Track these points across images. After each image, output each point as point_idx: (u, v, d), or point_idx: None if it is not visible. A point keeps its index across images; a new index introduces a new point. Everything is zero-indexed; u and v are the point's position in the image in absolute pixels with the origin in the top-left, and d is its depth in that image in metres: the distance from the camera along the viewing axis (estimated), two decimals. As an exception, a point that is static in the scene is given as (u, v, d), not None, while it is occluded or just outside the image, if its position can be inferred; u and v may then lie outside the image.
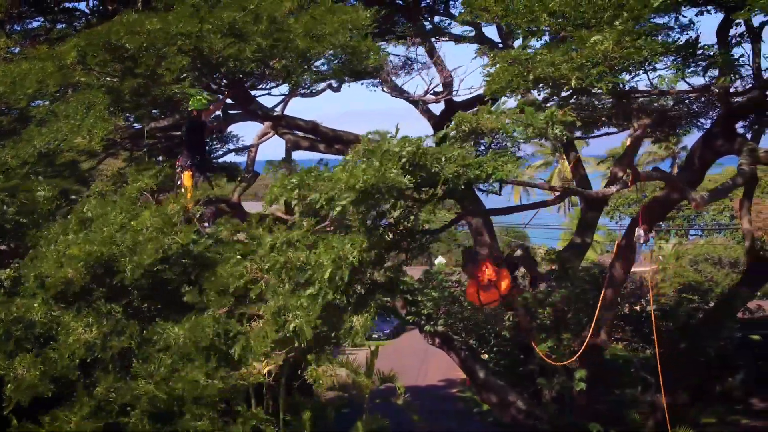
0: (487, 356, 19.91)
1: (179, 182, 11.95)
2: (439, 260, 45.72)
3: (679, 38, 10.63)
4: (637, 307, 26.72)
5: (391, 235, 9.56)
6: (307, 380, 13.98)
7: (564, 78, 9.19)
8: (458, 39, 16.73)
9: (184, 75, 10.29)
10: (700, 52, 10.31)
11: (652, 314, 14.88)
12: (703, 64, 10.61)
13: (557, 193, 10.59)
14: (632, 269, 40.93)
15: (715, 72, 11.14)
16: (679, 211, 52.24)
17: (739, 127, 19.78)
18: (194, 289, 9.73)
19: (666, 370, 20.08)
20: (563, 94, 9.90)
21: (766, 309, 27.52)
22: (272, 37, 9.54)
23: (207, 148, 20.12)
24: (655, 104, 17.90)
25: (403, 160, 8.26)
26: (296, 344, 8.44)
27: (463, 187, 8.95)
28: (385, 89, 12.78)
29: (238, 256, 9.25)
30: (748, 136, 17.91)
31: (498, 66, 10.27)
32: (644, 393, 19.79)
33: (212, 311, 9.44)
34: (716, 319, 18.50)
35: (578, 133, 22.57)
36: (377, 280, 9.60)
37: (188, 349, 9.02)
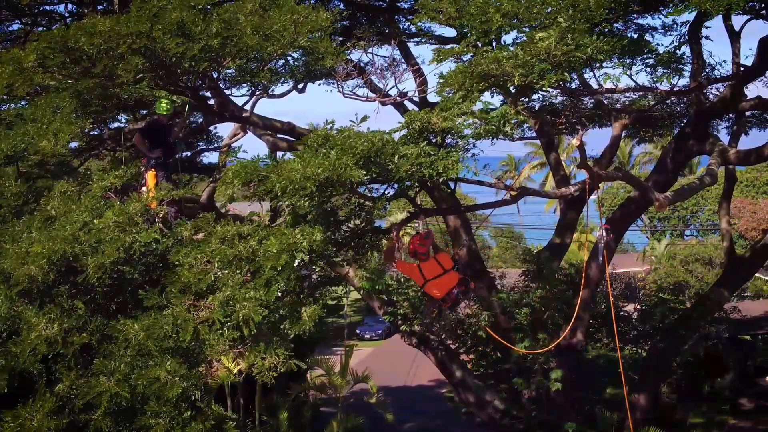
0: (466, 356, 19.97)
1: (143, 182, 12.10)
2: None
3: (628, 36, 10.70)
4: (629, 307, 26.86)
5: (342, 232, 9.67)
6: (253, 374, 13.99)
7: (508, 75, 9.26)
8: (420, 42, 16.87)
9: (141, 75, 10.40)
10: (646, 50, 10.38)
11: (613, 314, 14.86)
12: (650, 61, 10.68)
13: (513, 193, 10.58)
14: (626, 269, 41.10)
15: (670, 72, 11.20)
16: (675, 212, 52.33)
17: (722, 127, 19.93)
18: (153, 290, 9.82)
19: (648, 370, 20.24)
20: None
21: (742, 310, 27.55)
22: (221, 36, 9.63)
23: (188, 148, 20.41)
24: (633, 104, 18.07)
25: (358, 155, 8.37)
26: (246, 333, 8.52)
27: (415, 184, 9.06)
28: (342, 91, 12.86)
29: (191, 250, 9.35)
30: (728, 137, 18.03)
31: (453, 68, 10.36)
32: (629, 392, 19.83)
33: (172, 309, 9.54)
34: (691, 319, 18.52)
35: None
36: (327, 275, 9.72)
37: (147, 345, 9.11)
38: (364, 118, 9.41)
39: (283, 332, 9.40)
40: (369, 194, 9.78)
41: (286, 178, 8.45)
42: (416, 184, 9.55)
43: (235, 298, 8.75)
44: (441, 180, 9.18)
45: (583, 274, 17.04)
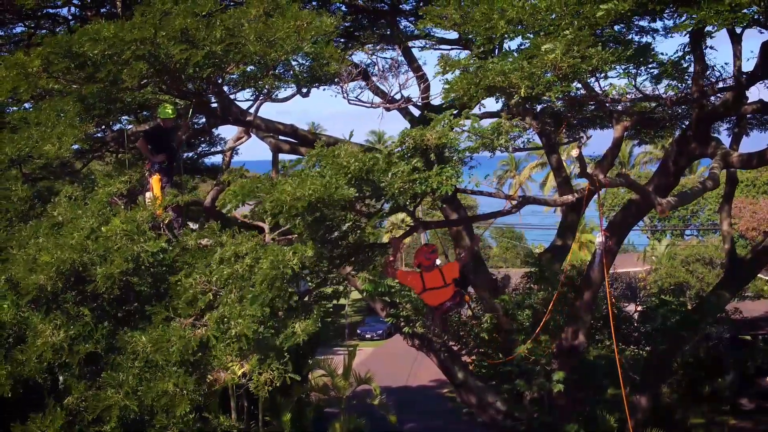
0: (468, 358, 20.01)
1: (148, 187, 12.14)
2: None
3: (635, 43, 10.70)
4: (630, 307, 26.86)
5: (340, 248, 9.70)
6: (251, 389, 14.04)
7: (514, 87, 9.28)
8: (424, 47, 16.91)
9: (145, 81, 10.43)
10: (651, 60, 10.39)
11: (611, 315, 14.91)
12: (655, 71, 10.69)
13: (513, 202, 10.61)
14: (626, 269, 41.16)
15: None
16: (675, 212, 52.37)
17: (723, 129, 19.96)
18: (161, 304, 9.85)
19: (649, 371, 20.29)
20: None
21: (743, 311, 27.59)
22: (225, 43, 9.66)
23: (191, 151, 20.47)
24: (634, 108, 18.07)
25: (349, 175, 8.41)
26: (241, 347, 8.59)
27: (408, 202, 9.11)
28: (347, 97, 12.89)
29: (191, 268, 9.40)
30: (729, 138, 18.04)
31: (458, 74, 10.38)
32: (631, 393, 19.87)
33: (179, 321, 9.56)
34: (692, 320, 18.56)
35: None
36: (323, 291, 9.78)
37: (155, 358, 9.14)
38: (351, 135, 9.43)
39: (277, 347, 9.42)
40: (366, 210, 9.80)
41: (277, 200, 8.50)
42: (409, 200, 9.55)
43: (230, 315, 8.82)
44: (436, 195, 9.19)
45: (563, 276, 17.20)
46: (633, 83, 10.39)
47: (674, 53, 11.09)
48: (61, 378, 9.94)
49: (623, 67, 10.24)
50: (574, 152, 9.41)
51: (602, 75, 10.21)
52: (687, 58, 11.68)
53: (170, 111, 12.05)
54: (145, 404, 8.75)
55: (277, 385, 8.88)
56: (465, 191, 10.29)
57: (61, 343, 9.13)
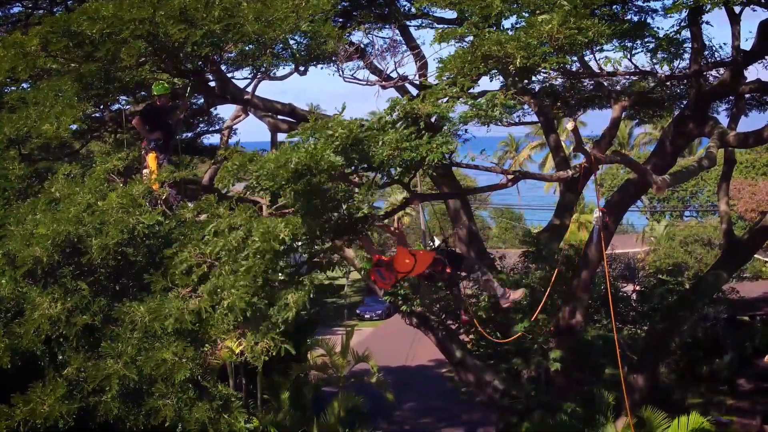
0: (466, 337, 20.12)
1: (145, 164, 12.21)
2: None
3: (629, 20, 10.74)
4: (629, 288, 26.95)
5: (333, 220, 9.76)
6: (247, 358, 14.09)
7: (509, 56, 9.31)
8: (420, 26, 16.93)
9: (143, 59, 10.47)
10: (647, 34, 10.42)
11: (610, 295, 15.00)
12: (651, 45, 10.71)
13: (510, 177, 10.64)
14: (625, 250, 41.23)
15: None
16: (675, 193, 52.43)
17: (722, 109, 19.96)
18: (158, 273, 9.95)
19: (646, 351, 20.40)
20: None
21: (741, 291, 27.64)
22: (223, 22, 9.71)
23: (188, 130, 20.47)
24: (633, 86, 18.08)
25: (336, 142, 8.47)
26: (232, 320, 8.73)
27: (398, 169, 9.17)
28: (343, 76, 12.90)
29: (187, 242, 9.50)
30: (727, 119, 18.06)
31: (452, 53, 10.41)
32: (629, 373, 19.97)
33: (176, 291, 9.68)
34: (690, 300, 18.62)
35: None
36: (315, 260, 9.87)
37: (153, 328, 9.27)
38: (344, 108, 9.50)
39: (271, 318, 9.54)
40: (359, 181, 9.84)
41: (261, 168, 8.59)
42: (399, 168, 9.59)
43: (223, 286, 8.94)
44: (425, 164, 9.23)
45: (564, 254, 17.23)
46: (628, 57, 10.42)
47: (670, 27, 11.09)
48: (60, 356, 10.06)
49: (619, 41, 10.26)
50: (569, 125, 9.38)
51: (598, 48, 10.24)
52: (683, 33, 11.70)
53: (165, 86, 12.07)
54: (145, 373, 8.88)
55: (273, 354, 8.91)
56: (461, 165, 10.34)
57: (58, 316, 9.25)
